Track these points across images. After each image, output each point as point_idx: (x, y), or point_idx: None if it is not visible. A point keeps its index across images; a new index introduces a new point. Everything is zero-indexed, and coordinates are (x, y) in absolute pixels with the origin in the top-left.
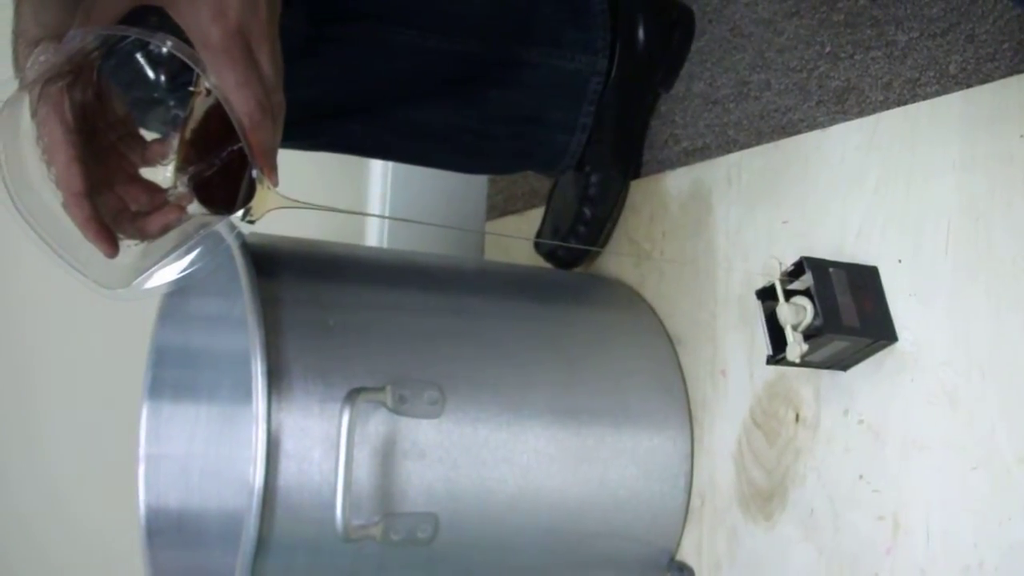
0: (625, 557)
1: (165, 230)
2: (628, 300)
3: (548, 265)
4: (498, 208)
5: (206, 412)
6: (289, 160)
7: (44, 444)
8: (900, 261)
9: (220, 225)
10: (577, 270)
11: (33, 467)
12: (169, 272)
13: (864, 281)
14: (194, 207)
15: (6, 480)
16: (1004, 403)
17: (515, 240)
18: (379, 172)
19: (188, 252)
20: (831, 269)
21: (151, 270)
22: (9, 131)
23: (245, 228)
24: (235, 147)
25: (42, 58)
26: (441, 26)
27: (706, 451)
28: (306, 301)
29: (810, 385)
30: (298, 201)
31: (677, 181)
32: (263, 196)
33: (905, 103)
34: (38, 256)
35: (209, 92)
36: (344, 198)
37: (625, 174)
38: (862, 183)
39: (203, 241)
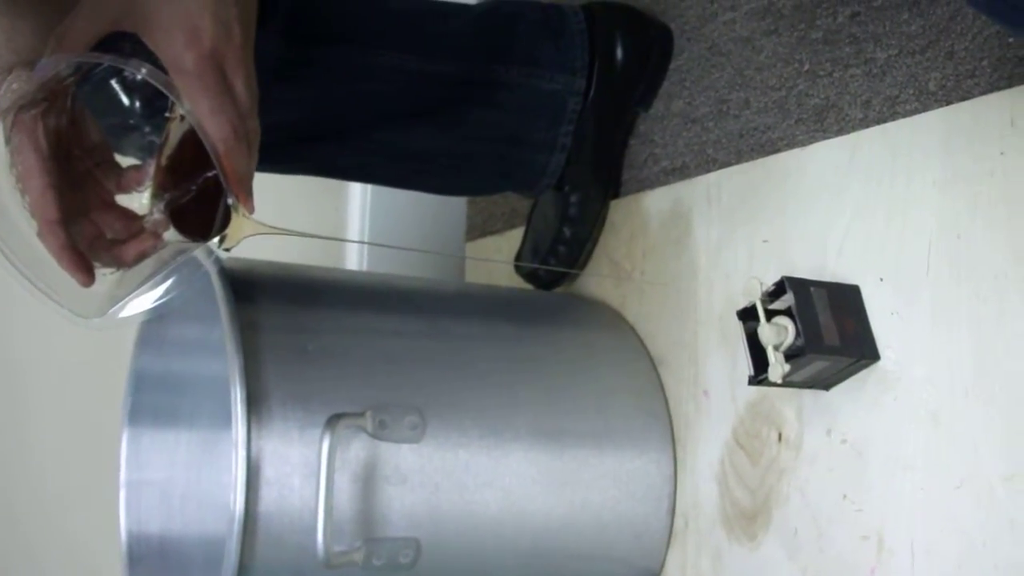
0: None
1: (141, 258)
2: (609, 321)
3: (528, 286)
4: (478, 228)
5: (186, 438)
6: (267, 184)
7: (24, 472)
8: (882, 279)
9: (198, 251)
10: (558, 291)
11: (11, 495)
12: (144, 301)
13: (846, 300)
14: (170, 234)
15: None
16: (987, 421)
17: (495, 262)
18: (358, 194)
19: (163, 280)
20: (812, 288)
21: (126, 299)
22: None
23: (223, 254)
24: (211, 173)
25: (15, 86)
26: (419, 48)
27: (689, 472)
28: (285, 326)
29: (793, 405)
30: (274, 227)
31: (657, 200)
32: (238, 223)
33: (885, 121)
34: (14, 284)
35: (184, 118)
36: (323, 221)
37: (605, 194)
38: (842, 201)
39: (179, 269)
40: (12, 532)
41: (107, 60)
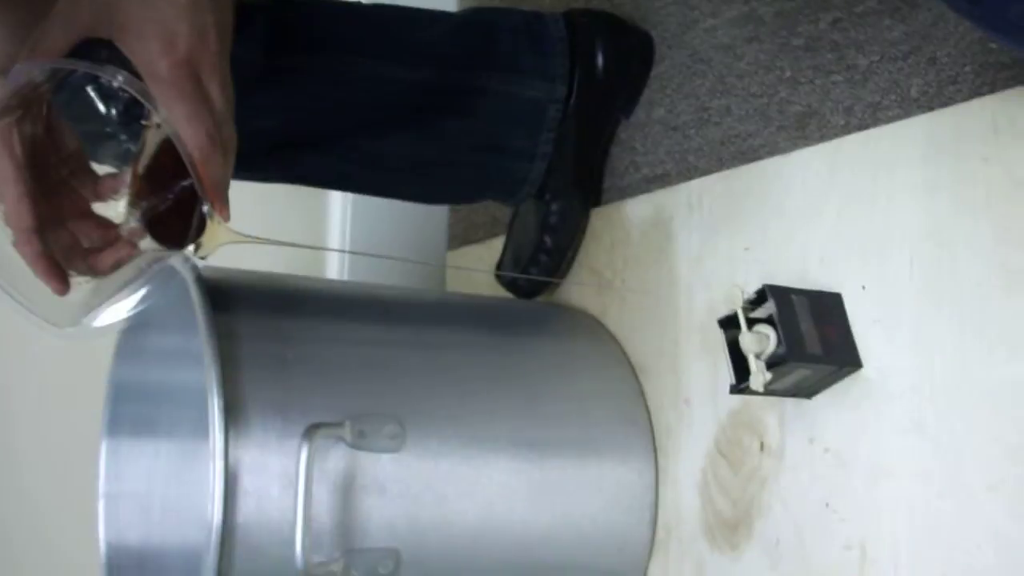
0: None
1: (117, 266)
2: (590, 329)
3: (509, 295)
4: (459, 237)
5: (166, 448)
6: (247, 192)
7: (4, 483)
8: (864, 287)
9: (174, 259)
10: (539, 299)
11: None
12: (120, 309)
13: (828, 308)
14: (147, 243)
15: None
16: (971, 430)
17: (476, 271)
18: (338, 202)
19: (139, 288)
20: (794, 296)
21: (101, 307)
22: None
23: (200, 262)
24: (188, 182)
25: None
26: (398, 55)
27: (671, 481)
28: (264, 335)
29: (775, 413)
30: (250, 236)
31: (638, 208)
32: (214, 231)
33: (867, 127)
34: None
35: (160, 126)
36: (303, 229)
37: (585, 202)
38: (824, 209)
39: (154, 277)
40: None
41: (82, 67)
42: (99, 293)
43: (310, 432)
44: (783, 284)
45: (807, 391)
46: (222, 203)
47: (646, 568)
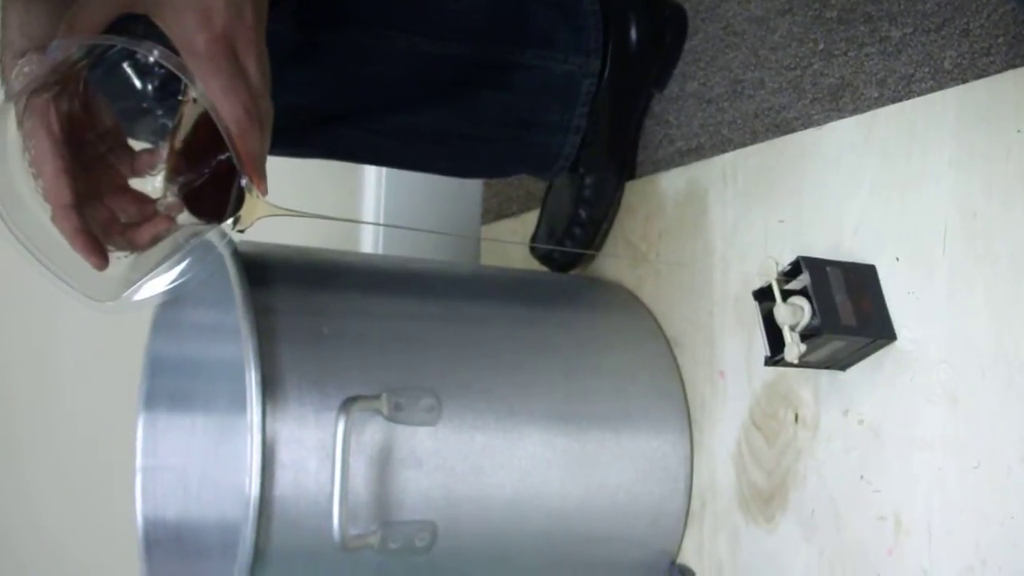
0: (625, 561)
1: (155, 241)
2: (625, 302)
3: (544, 268)
4: (493, 211)
5: (203, 422)
6: (282, 167)
7: (40, 456)
8: (898, 259)
9: (211, 234)
10: (573, 273)
11: (30, 480)
12: (158, 284)
13: (862, 280)
14: (184, 217)
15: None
16: (1004, 401)
17: (511, 243)
18: (372, 177)
19: (177, 263)
20: (828, 268)
21: (140, 282)
22: None
23: (236, 236)
24: (224, 156)
25: (27, 69)
26: (432, 30)
27: (706, 453)
28: (300, 309)
29: (809, 385)
30: (288, 209)
31: (672, 181)
32: (252, 205)
33: (900, 100)
34: (30, 268)
35: (196, 101)
36: (338, 203)
37: (620, 175)
38: (858, 181)
39: (192, 252)
40: (29, 516)
41: (119, 42)
42: (138, 267)
43: (347, 405)
44: (817, 256)
45: (841, 363)
46: (260, 176)
47: (681, 539)
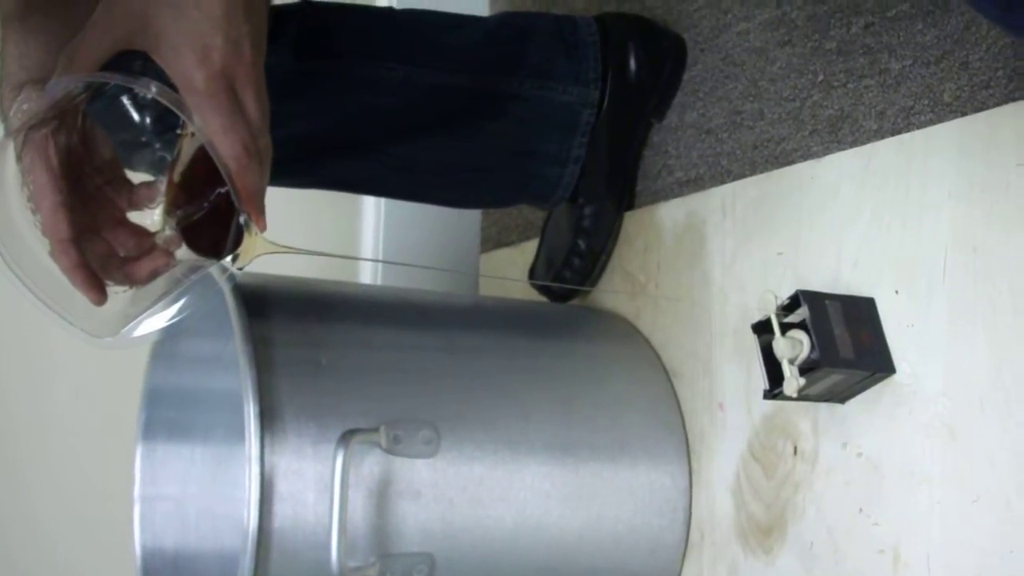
0: None
1: (154, 276)
2: (624, 333)
3: (543, 299)
4: (492, 240)
5: (201, 453)
6: (280, 197)
7: (38, 486)
8: (897, 292)
9: (211, 269)
10: (572, 303)
11: (25, 509)
12: (158, 320)
13: (861, 313)
14: (182, 251)
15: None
16: (1004, 434)
17: (509, 273)
18: (371, 206)
19: (177, 299)
20: (827, 301)
21: (139, 318)
22: None
23: (236, 271)
24: (223, 190)
25: (25, 106)
26: (431, 61)
27: (704, 485)
28: (298, 341)
29: (808, 418)
30: (287, 247)
31: (671, 212)
32: (251, 242)
33: (899, 132)
34: (26, 302)
35: (195, 135)
36: (336, 234)
37: (619, 205)
38: (857, 213)
39: (192, 288)
40: (28, 544)
41: (117, 79)
42: (137, 302)
43: (346, 438)
44: (816, 289)
45: (840, 396)
46: (258, 213)
47: (679, 571)
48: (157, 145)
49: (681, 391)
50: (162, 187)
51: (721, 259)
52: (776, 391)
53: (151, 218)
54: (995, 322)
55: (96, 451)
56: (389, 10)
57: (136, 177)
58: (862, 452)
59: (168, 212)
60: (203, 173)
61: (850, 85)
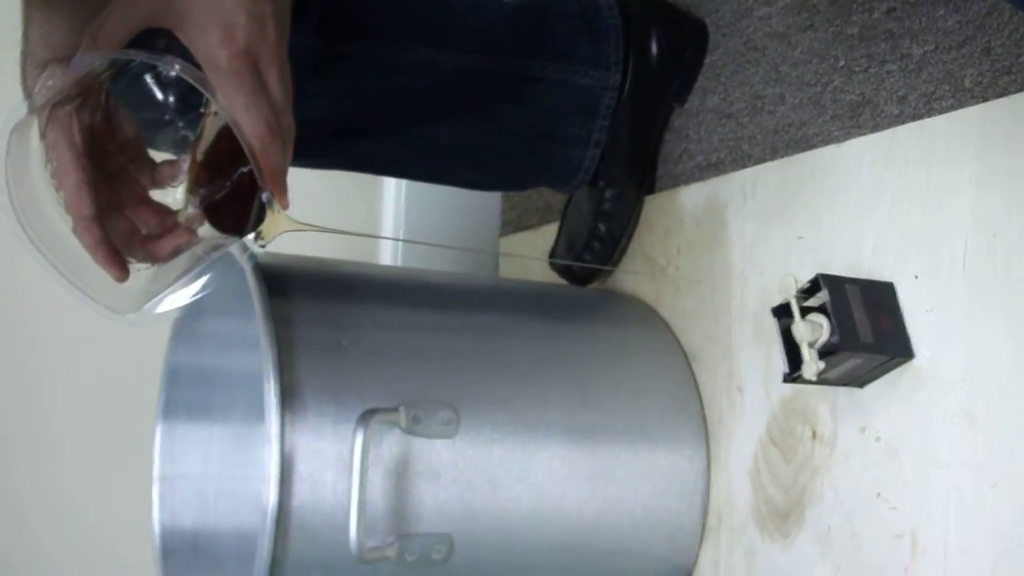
0: None
1: (176, 253)
2: (643, 316)
3: (563, 281)
4: (512, 223)
5: (220, 432)
6: (301, 179)
7: (58, 464)
8: (917, 277)
9: (233, 248)
10: (592, 286)
11: (46, 488)
12: (180, 297)
13: (880, 298)
14: (205, 229)
15: (19, 502)
16: (1022, 420)
17: (530, 258)
18: (392, 188)
19: (199, 276)
20: (847, 286)
21: (162, 295)
22: (19, 156)
23: (258, 250)
24: (246, 168)
25: (50, 82)
26: (454, 43)
27: (723, 468)
28: (319, 321)
29: (827, 402)
30: (309, 224)
31: (692, 196)
32: (273, 220)
33: (920, 117)
34: (49, 279)
35: (218, 113)
36: (357, 215)
37: (639, 189)
38: (878, 198)
39: (214, 265)
40: (49, 522)
41: (141, 57)
42: (159, 280)
43: (365, 417)
44: (836, 273)
45: (859, 380)
46: (281, 191)
47: (697, 554)
48: (180, 124)
49: (700, 375)
50: (185, 165)
51: (741, 243)
52: (795, 375)
53: (174, 196)
54: (1015, 308)
55: (116, 430)
56: None
57: (159, 156)
58: (880, 437)
59: (191, 190)
60: (226, 151)
61: (871, 70)
